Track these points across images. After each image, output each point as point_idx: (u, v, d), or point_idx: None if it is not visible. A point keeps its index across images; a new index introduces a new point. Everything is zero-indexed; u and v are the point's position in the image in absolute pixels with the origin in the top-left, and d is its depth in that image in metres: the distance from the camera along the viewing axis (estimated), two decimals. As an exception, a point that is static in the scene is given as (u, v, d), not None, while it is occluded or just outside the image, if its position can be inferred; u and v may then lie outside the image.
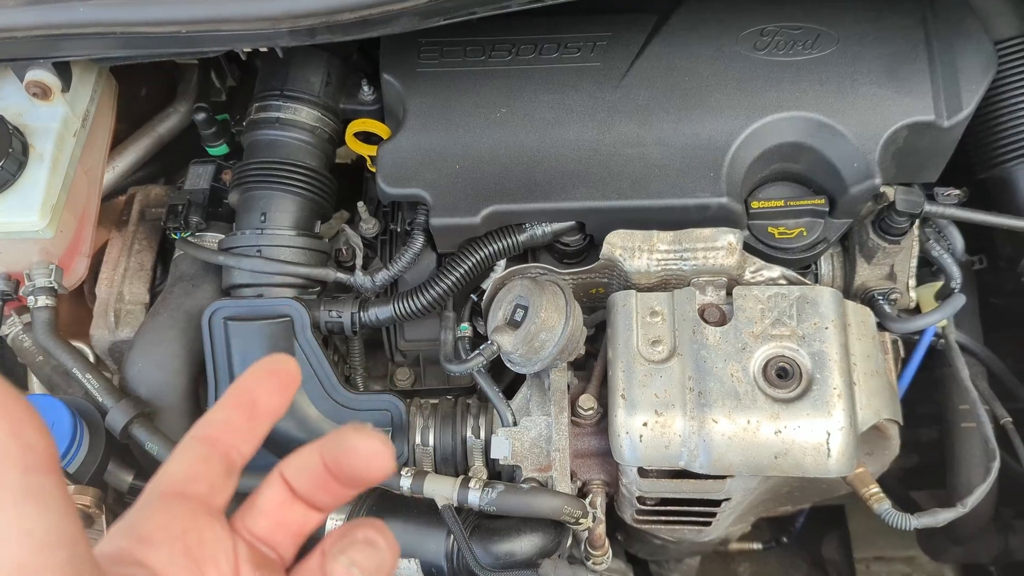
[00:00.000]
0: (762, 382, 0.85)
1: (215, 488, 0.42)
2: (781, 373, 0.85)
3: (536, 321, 0.89)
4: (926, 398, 1.21)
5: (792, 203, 0.94)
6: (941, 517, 0.89)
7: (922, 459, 1.38)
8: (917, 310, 1.04)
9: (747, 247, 0.94)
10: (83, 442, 0.93)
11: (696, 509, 0.93)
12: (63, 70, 0.88)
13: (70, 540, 0.33)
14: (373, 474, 0.42)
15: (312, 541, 0.45)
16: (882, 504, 0.90)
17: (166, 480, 0.42)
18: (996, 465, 0.92)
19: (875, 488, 0.91)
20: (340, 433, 0.42)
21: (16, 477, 0.32)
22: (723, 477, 0.87)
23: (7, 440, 0.32)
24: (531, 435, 0.94)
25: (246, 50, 0.84)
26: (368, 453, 0.41)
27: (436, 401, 1.00)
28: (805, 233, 0.95)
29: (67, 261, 0.99)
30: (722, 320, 0.89)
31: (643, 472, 0.89)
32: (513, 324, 0.91)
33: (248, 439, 0.43)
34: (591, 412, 0.93)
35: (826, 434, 0.82)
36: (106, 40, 0.79)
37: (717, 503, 0.92)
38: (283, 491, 0.44)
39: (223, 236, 1.00)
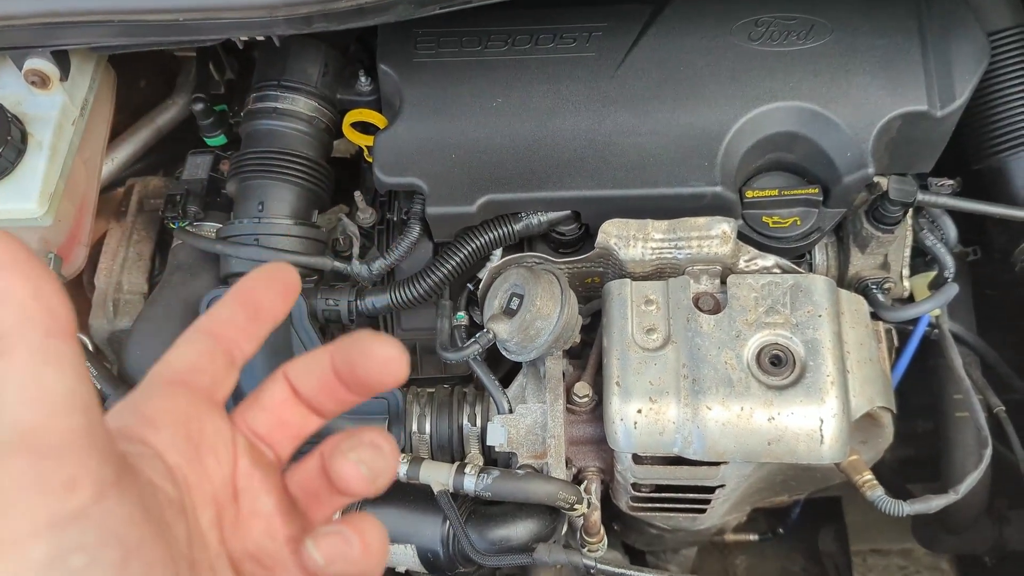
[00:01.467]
0: (756, 369, 0.85)
1: (217, 381, 0.42)
2: (775, 360, 0.86)
3: (531, 309, 0.89)
4: (922, 389, 1.21)
5: (786, 192, 0.95)
6: (933, 504, 0.90)
7: (918, 450, 1.38)
8: (911, 299, 1.05)
9: (741, 236, 0.95)
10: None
11: (691, 496, 0.94)
12: (62, 59, 0.88)
13: (86, 406, 0.32)
14: (386, 380, 0.41)
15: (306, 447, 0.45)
16: (875, 491, 0.90)
17: (170, 368, 0.41)
18: (988, 453, 0.93)
19: (868, 475, 0.92)
20: (354, 337, 0.42)
21: (37, 340, 0.32)
22: (717, 464, 0.88)
23: (29, 302, 0.32)
24: (527, 422, 0.94)
25: (243, 39, 0.84)
26: (383, 358, 0.41)
27: (433, 389, 1.01)
28: (799, 222, 0.95)
29: (66, 250, 1.00)
30: (716, 308, 0.89)
31: (638, 459, 0.89)
32: (509, 312, 0.91)
33: (250, 338, 0.43)
34: (586, 399, 0.94)
35: (819, 421, 0.83)
36: (104, 28, 0.80)
37: (711, 490, 0.92)
38: (286, 391, 0.44)
39: (221, 225, 1.00)
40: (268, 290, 0.44)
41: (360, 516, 0.40)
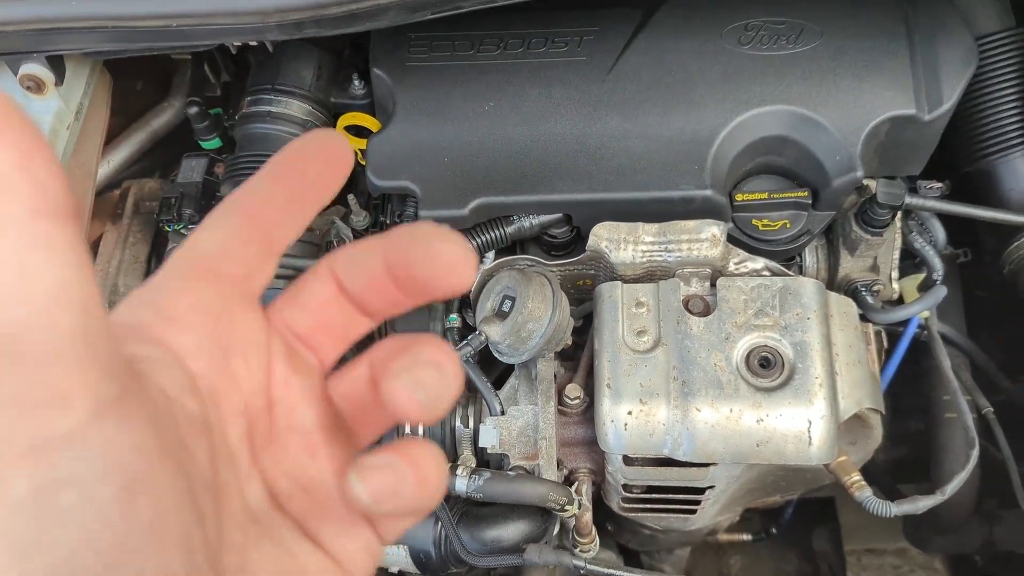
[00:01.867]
0: (745, 371, 0.86)
1: (252, 271, 0.35)
2: (763, 363, 0.86)
3: (523, 312, 0.90)
4: (914, 390, 1.22)
5: (776, 196, 0.96)
6: (921, 504, 0.91)
7: (910, 452, 1.39)
8: (901, 301, 1.06)
9: (731, 239, 0.96)
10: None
11: (681, 497, 0.95)
12: (56, 64, 0.89)
13: (83, 303, 0.26)
14: (450, 285, 0.34)
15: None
16: (863, 492, 0.91)
17: (197, 253, 0.34)
18: (975, 453, 0.94)
19: (857, 476, 0.92)
20: (413, 231, 0.34)
21: (22, 218, 0.25)
22: (706, 465, 0.89)
23: (11, 172, 0.24)
24: (518, 424, 0.95)
25: (236, 44, 0.85)
26: (451, 260, 0.33)
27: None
28: (788, 225, 0.96)
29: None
30: (706, 311, 0.90)
31: (628, 460, 0.90)
32: (501, 315, 0.92)
33: (291, 221, 0.36)
34: (577, 401, 0.95)
35: (807, 422, 0.84)
36: (98, 34, 0.80)
37: (701, 491, 0.93)
38: (331, 287, 0.37)
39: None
40: (313, 162, 0.36)
41: (413, 443, 0.33)
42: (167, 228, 1.05)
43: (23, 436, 0.25)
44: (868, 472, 1.29)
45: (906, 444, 1.38)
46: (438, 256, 0.33)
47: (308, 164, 0.36)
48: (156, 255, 1.12)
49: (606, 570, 0.90)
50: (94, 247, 1.12)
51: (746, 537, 1.62)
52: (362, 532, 0.36)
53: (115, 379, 0.27)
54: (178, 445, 0.29)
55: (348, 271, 0.37)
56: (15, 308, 0.25)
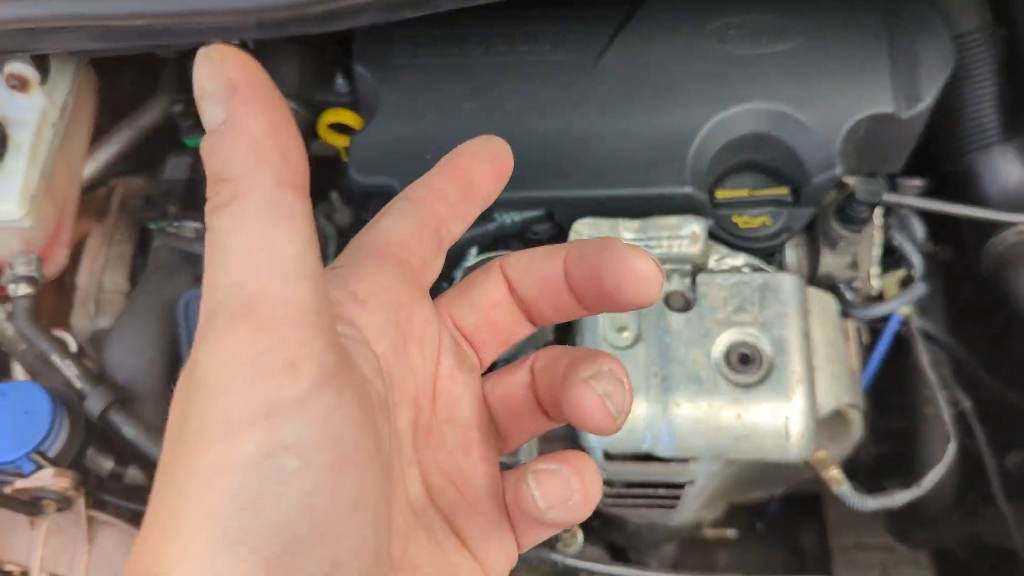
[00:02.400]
0: (724, 367, 0.87)
1: (427, 262, 0.36)
2: (743, 359, 0.87)
3: (505, 308, 0.91)
4: (898, 387, 1.23)
5: (756, 193, 0.97)
6: (897, 498, 0.92)
7: (894, 448, 1.40)
8: (881, 298, 1.07)
9: (712, 236, 0.96)
10: (63, 427, 0.95)
11: (661, 492, 0.96)
12: (41, 62, 0.89)
13: (314, 275, 0.27)
14: (639, 299, 0.34)
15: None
16: (841, 486, 0.92)
17: (380, 240, 0.35)
18: (952, 448, 0.95)
19: (835, 470, 0.93)
20: (601, 243, 0.35)
21: (270, 188, 0.26)
22: (686, 460, 0.90)
23: (264, 140, 0.26)
24: (500, 420, 0.96)
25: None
26: (643, 274, 0.34)
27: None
28: (769, 222, 0.97)
29: (47, 251, 1.01)
30: (686, 307, 0.91)
31: (608, 456, 0.91)
32: (483, 311, 0.93)
33: (459, 218, 0.37)
34: (559, 397, 0.95)
35: (785, 418, 0.85)
36: (81, 33, 0.81)
37: (681, 486, 0.94)
38: (502, 288, 0.38)
39: (201, 225, 1.02)
40: (483, 164, 0.38)
41: (576, 455, 0.34)
42: (151, 226, 1.05)
43: (256, 398, 0.26)
44: (852, 467, 1.30)
45: (890, 440, 1.39)
46: (629, 269, 0.34)
47: (476, 165, 0.38)
48: (142, 253, 1.12)
49: (582, 563, 0.91)
50: (80, 244, 1.13)
51: (732, 533, 1.63)
52: (504, 536, 0.37)
53: (335, 351, 0.28)
54: (374, 422, 0.30)
55: (524, 274, 0.37)
56: (259, 275, 0.26)
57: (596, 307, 0.36)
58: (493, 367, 0.40)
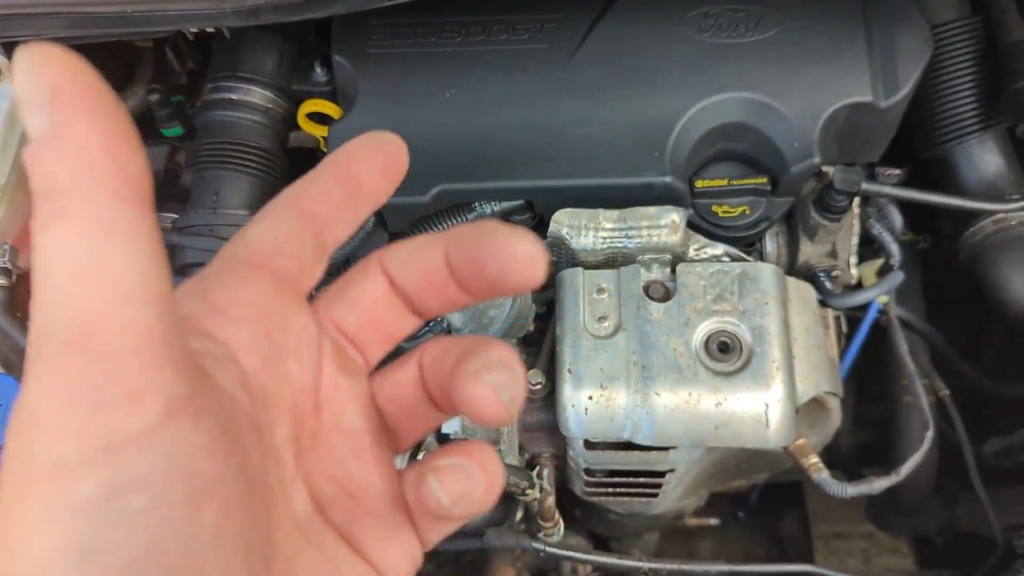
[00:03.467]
0: (704, 356, 0.87)
1: (305, 269, 0.34)
2: (722, 347, 0.87)
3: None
4: (877, 376, 1.24)
5: (735, 182, 0.97)
6: (876, 485, 0.92)
7: (874, 436, 1.41)
8: (860, 287, 1.07)
9: (692, 225, 0.96)
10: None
11: (642, 480, 0.96)
12: (11, 50, 0.88)
13: (158, 297, 0.25)
14: (524, 282, 0.33)
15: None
16: (820, 474, 0.93)
17: (250, 247, 0.33)
18: (930, 435, 0.95)
19: (814, 458, 0.94)
20: (481, 228, 0.34)
21: (103, 204, 0.24)
22: (666, 448, 0.90)
23: (95, 151, 0.24)
24: (481, 410, 0.96)
25: (193, 30, 0.84)
26: (526, 256, 0.33)
27: (390, 378, 1.02)
28: (748, 212, 0.97)
29: (22, 241, 1.00)
30: (666, 296, 0.91)
31: (589, 444, 0.91)
32: (463, 301, 0.93)
33: (345, 221, 0.36)
34: (539, 387, 0.95)
35: (764, 405, 0.85)
36: (54, 20, 0.80)
37: (662, 474, 0.94)
38: (383, 285, 0.36)
39: (177, 216, 1.01)
40: (371, 163, 0.36)
41: (478, 446, 0.33)
42: (128, 216, 1.04)
43: (94, 435, 0.24)
44: (833, 455, 1.31)
45: (870, 428, 1.40)
46: (512, 253, 0.33)
47: (364, 163, 0.36)
48: (119, 243, 1.11)
49: (564, 552, 0.91)
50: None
51: (714, 521, 1.64)
52: (406, 538, 0.36)
53: (187, 376, 0.26)
54: (240, 446, 0.28)
55: (404, 267, 0.36)
56: (93, 300, 0.24)
57: (483, 294, 0.35)
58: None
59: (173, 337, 0.25)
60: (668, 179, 0.92)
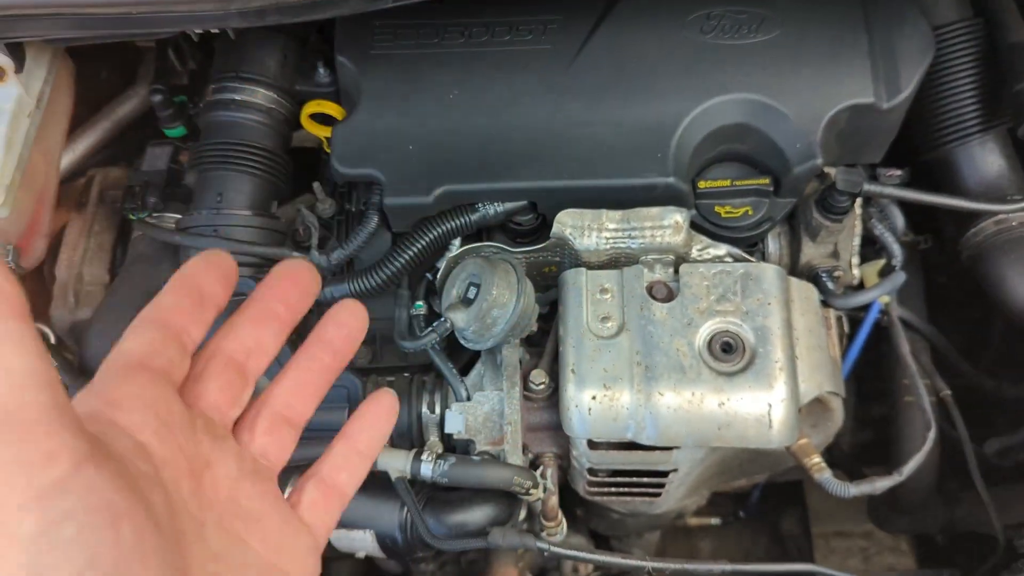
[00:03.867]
0: (707, 356, 0.87)
1: (174, 364, 0.43)
2: (725, 347, 0.88)
3: (488, 298, 0.91)
4: (878, 376, 1.24)
5: (738, 183, 0.97)
6: (878, 485, 0.93)
7: (875, 435, 1.41)
8: (862, 287, 1.07)
9: (695, 226, 0.97)
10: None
11: (645, 480, 0.96)
12: (15, 51, 0.88)
13: (50, 384, 0.34)
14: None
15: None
16: (822, 474, 0.93)
17: (125, 356, 0.42)
18: (931, 435, 0.96)
19: (817, 458, 0.94)
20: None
21: None
22: (670, 449, 0.90)
23: None
24: (484, 410, 0.96)
25: (197, 31, 0.85)
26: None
27: (392, 378, 1.02)
28: (751, 212, 0.97)
29: (25, 241, 1.00)
30: (669, 296, 0.91)
31: (592, 444, 0.91)
32: (466, 301, 0.93)
33: (197, 324, 0.44)
34: (543, 387, 0.95)
35: (767, 406, 0.85)
36: (57, 21, 0.80)
37: (665, 474, 0.94)
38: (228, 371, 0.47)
39: (180, 216, 1.01)
40: (208, 276, 0.45)
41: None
42: (131, 216, 1.04)
43: (25, 486, 0.32)
44: (834, 455, 1.31)
45: (871, 428, 1.40)
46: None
47: (204, 277, 0.45)
48: (122, 243, 1.11)
49: (568, 551, 0.91)
50: (59, 235, 1.12)
51: (715, 521, 1.64)
52: (302, 537, 0.47)
53: (85, 439, 0.34)
54: (141, 491, 0.36)
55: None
56: (2, 389, 0.32)
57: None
58: None
59: (68, 411, 0.34)
60: (671, 180, 0.92)
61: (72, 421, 0.34)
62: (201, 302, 0.45)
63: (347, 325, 0.49)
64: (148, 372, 0.41)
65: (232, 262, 0.46)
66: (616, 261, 0.96)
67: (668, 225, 0.93)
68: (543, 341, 1.02)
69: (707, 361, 0.87)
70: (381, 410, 0.51)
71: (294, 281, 0.47)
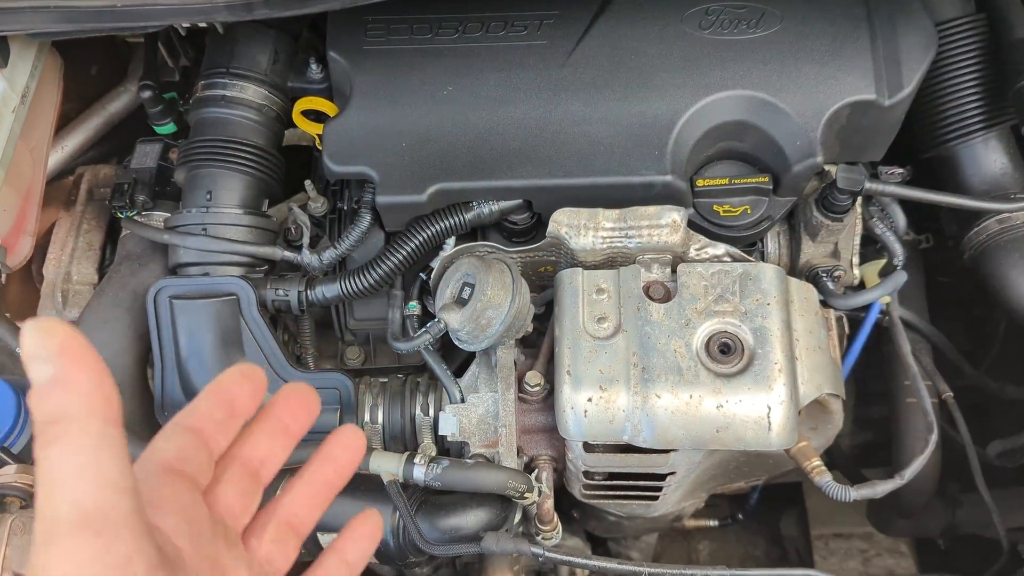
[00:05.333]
0: (704, 357, 0.86)
1: (202, 472, 0.45)
2: (723, 348, 0.86)
3: (482, 299, 0.89)
4: (879, 376, 1.23)
5: (736, 181, 0.95)
6: (880, 489, 0.91)
7: (875, 437, 1.40)
8: (862, 287, 1.06)
9: (693, 225, 0.95)
10: (28, 422, 0.92)
11: (642, 483, 0.94)
12: (2, 44, 0.87)
13: (133, 488, 0.37)
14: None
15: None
16: (823, 477, 0.91)
17: (160, 456, 0.44)
18: (934, 438, 0.94)
19: (817, 461, 0.92)
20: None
21: (97, 426, 0.36)
22: (667, 451, 0.88)
23: (92, 391, 0.36)
24: (478, 412, 0.94)
25: (185, 25, 0.83)
26: None
27: (386, 379, 1.00)
28: (749, 211, 0.96)
29: (11, 240, 0.98)
30: (666, 297, 0.90)
31: (588, 447, 0.90)
32: (460, 302, 0.91)
33: (226, 434, 0.47)
34: (538, 388, 0.94)
35: (767, 408, 0.84)
36: (42, 14, 0.78)
37: (662, 477, 0.93)
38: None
39: (170, 215, 0.99)
40: (242, 389, 0.48)
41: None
42: (119, 215, 1.02)
43: None
44: (833, 456, 1.30)
45: (871, 429, 1.39)
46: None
47: (238, 389, 0.47)
48: (111, 242, 1.10)
49: (563, 557, 0.90)
50: (47, 234, 1.10)
51: (713, 523, 1.62)
52: None
53: (155, 546, 0.37)
54: None
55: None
56: (94, 492, 0.35)
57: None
58: None
59: (144, 518, 0.37)
60: (669, 178, 0.91)
61: (148, 528, 0.37)
62: (232, 414, 0.47)
63: (351, 447, 0.52)
64: (181, 477, 0.44)
65: (263, 377, 0.48)
66: (613, 261, 0.95)
67: (666, 224, 0.91)
68: (538, 342, 1.00)
69: (705, 362, 0.85)
70: (367, 529, 0.54)
71: (303, 402, 0.50)
